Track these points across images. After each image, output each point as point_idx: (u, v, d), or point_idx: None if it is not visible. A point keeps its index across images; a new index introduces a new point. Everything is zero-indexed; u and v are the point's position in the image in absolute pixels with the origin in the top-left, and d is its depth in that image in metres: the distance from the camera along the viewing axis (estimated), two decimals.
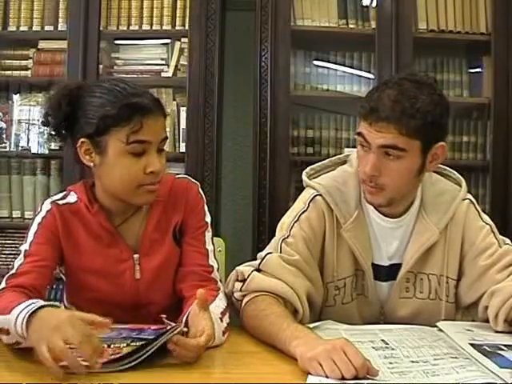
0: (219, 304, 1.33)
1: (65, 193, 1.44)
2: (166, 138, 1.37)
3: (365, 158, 1.38)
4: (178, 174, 1.51)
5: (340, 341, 1.10)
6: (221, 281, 1.44)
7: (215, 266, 1.44)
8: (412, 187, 1.44)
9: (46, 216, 1.38)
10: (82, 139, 1.33)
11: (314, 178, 1.53)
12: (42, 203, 1.42)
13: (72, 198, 1.42)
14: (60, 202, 1.40)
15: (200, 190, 1.48)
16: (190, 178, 1.51)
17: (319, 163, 1.58)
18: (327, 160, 1.59)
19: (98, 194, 1.41)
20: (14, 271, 1.32)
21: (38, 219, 1.39)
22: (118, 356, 1.10)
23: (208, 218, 1.47)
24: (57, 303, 1.23)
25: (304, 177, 1.54)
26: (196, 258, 1.43)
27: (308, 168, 1.57)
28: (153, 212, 1.43)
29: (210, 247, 1.45)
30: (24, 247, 1.35)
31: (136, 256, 1.41)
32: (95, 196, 1.42)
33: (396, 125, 1.31)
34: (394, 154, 1.34)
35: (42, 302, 1.14)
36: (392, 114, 1.31)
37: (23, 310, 1.11)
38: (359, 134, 1.38)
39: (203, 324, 1.14)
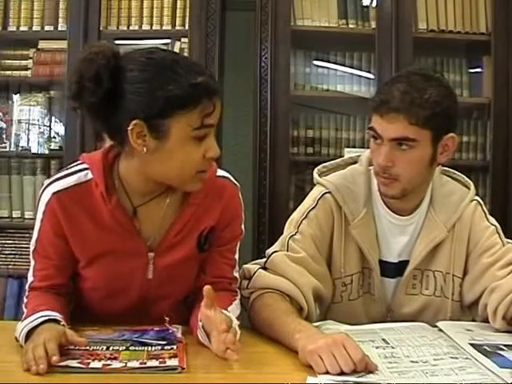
0: (235, 310, 1.32)
1: (77, 167, 1.29)
2: None
3: (377, 151, 1.41)
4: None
5: (340, 336, 1.13)
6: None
7: (237, 274, 1.40)
8: (423, 179, 1.46)
9: (46, 211, 1.27)
10: (135, 121, 1.15)
11: (325, 175, 1.55)
12: (42, 191, 1.28)
13: (86, 176, 1.27)
14: (62, 187, 1.26)
15: (240, 194, 1.37)
16: (231, 177, 1.37)
17: (331, 162, 1.60)
18: (339, 159, 1.61)
19: (126, 175, 1.27)
20: (32, 278, 1.31)
21: (39, 215, 1.28)
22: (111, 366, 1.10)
23: (243, 226, 1.39)
24: (58, 317, 1.20)
25: (315, 174, 1.56)
26: (224, 270, 1.37)
27: (320, 166, 1.59)
28: (183, 214, 1.30)
29: (237, 256, 1.39)
30: (32, 246, 1.31)
31: (151, 254, 1.30)
32: (113, 179, 1.27)
33: (406, 115, 1.35)
34: (406, 144, 1.37)
35: (42, 319, 1.17)
36: (402, 104, 1.35)
37: (26, 325, 1.17)
38: (371, 128, 1.41)
39: (218, 322, 1.13)
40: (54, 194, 1.26)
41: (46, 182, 1.30)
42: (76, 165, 1.31)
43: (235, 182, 1.38)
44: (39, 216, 1.29)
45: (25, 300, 1.30)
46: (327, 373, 1.07)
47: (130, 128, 1.15)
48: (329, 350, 1.09)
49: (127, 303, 1.34)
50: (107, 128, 1.22)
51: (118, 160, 1.28)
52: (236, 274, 1.40)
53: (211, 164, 1.25)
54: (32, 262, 1.32)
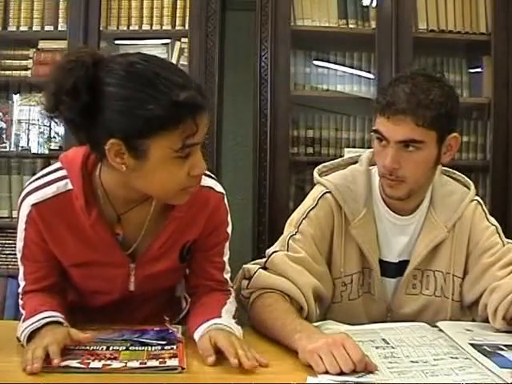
0: (230, 308, 1.32)
1: (56, 174, 1.24)
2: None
3: (383, 153, 1.40)
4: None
5: (340, 336, 1.14)
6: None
7: (228, 276, 1.40)
8: (427, 179, 1.46)
9: (28, 221, 1.25)
10: (113, 140, 1.09)
11: (326, 175, 1.55)
12: (21, 201, 1.26)
13: (66, 186, 1.22)
14: (40, 199, 1.22)
15: (225, 200, 1.34)
16: (215, 185, 1.33)
17: (332, 161, 1.60)
18: (340, 159, 1.61)
19: (108, 185, 1.22)
20: (23, 282, 1.31)
21: (22, 224, 1.27)
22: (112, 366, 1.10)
23: (229, 228, 1.37)
24: (60, 317, 1.20)
25: (315, 174, 1.56)
26: (213, 274, 1.37)
27: (320, 165, 1.59)
28: (167, 227, 1.28)
29: (226, 257, 1.38)
30: (19, 253, 1.31)
31: (132, 266, 1.29)
32: (94, 187, 1.22)
33: (413, 116, 1.34)
34: (413, 146, 1.37)
35: (45, 321, 1.18)
36: (408, 106, 1.34)
37: (28, 326, 1.17)
38: (376, 131, 1.41)
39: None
40: (32, 205, 1.23)
41: (24, 190, 1.26)
42: (55, 170, 1.26)
43: (220, 189, 1.34)
44: (22, 226, 1.27)
45: (20, 302, 1.30)
46: (327, 373, 1.07)
47: (107, 147, 1.09)
48: (328, 350, 1.09)
49: (112, 300, 1.35)
50: (87, 140, 1.16)
51: (100, 165, 1.22)
52: (226, 276, 1.39)
53: (199, 180, 1.19)
54: (21, 268, 1.32)
